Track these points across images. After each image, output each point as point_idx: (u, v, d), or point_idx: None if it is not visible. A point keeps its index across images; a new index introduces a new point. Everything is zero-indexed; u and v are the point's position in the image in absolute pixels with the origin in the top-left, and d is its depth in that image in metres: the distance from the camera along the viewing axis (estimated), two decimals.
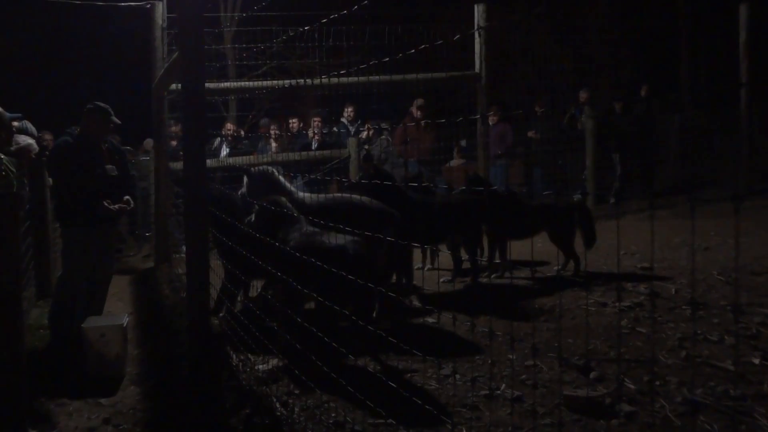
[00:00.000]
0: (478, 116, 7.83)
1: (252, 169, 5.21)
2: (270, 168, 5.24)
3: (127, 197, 4.88)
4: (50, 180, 5.87)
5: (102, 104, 4.82)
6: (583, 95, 10.38)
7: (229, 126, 9.71)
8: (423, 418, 2.91)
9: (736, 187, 9.22)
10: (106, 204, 4.67)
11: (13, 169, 4.44)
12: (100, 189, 4.69)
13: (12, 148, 5.07)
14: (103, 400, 3.80)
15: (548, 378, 3.47)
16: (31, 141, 5.93)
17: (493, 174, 9.00)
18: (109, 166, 4.79)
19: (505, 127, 9.77)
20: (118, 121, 4.89)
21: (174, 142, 8.48)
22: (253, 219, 4.35)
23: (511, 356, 3.73)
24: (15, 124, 5.34)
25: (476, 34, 7.71)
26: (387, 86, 7.76)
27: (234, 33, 11.99)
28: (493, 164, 9.07)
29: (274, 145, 9.18)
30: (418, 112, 9.12)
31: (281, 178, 5.13)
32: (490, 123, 9.04)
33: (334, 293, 3.46)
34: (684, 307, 4.43)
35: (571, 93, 10.50)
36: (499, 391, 3.35)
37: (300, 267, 3.57)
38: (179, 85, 5.19)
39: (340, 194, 5.50)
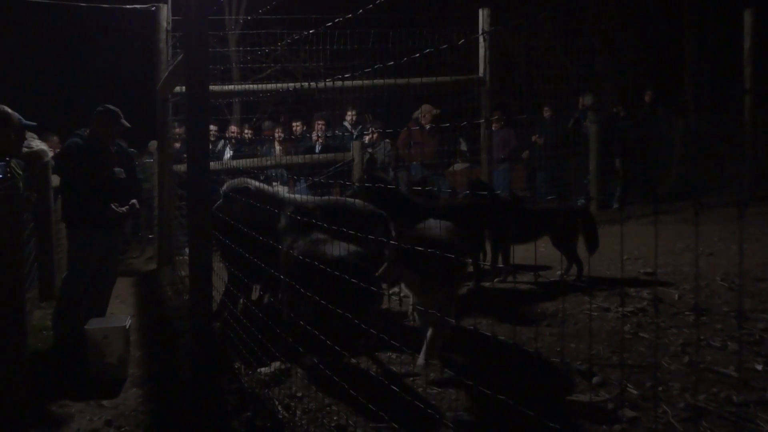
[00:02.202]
0: (482, 120, 7.83)
1: (230, 182, 5.06)
2: (245, 179, 5.10)
3: (133, 201, 4.89)
4: (55, 179, 5.88)
5: (112, 107, 4.84)
6: (586, 100, 10.38)
7: (233, 128, 9.73)
8: (425, 421, 2.91)
9: (740, 193, 9.20)
10: (113, 206, 4.69)
11: (20, 172, 4.46)
12: (109, 191, 4.71)
13: (24, 151, 5.08)
14: (105, 402, 3.81)
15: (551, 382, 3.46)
16: (44, 147, 5.93)
17: (496, 178, 9.00)
18: (117, 169, 4.82)
19: (509, 132, 9.77)
20: (128, 125, 4.90)
21: (178, 145, 8.50)
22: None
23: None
24: None
25: (481, 39, 7.71)
26: (391, 90, 7.76)
27: (239, 36, 12.04)
28: (496, 168, 9.08)
29: (278, 147, 9.20)
30: (425, 117, 9.13)
31: (259, 184, 5.06)
32: (494, 128, 9.04)
33: (337, 297, 3.46)
34: (687, 312, 4.42)
35: (574, 98, 10.50)
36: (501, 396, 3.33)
37: (304, 271, 3.58)
38: (183, 87, 5.20)
39: (327, 197, 5.47)
